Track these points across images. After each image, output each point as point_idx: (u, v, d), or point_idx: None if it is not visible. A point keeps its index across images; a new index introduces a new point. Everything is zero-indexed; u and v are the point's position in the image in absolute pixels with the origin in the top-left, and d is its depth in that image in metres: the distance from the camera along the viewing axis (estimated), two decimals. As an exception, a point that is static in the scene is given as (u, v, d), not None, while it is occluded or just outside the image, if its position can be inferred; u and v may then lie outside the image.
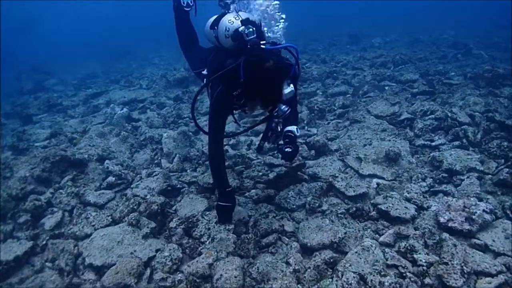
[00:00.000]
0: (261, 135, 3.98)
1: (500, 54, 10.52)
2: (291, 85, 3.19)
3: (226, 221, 3.81)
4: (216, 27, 3.58)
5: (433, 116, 5.77)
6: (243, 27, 3.23)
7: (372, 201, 4.06)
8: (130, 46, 20.73)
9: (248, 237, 3.54)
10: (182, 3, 4.41)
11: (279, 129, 3.79)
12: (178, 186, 4.73)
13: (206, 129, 3.67)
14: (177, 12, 4.46)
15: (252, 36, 3.17)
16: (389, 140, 5.31)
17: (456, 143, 5.05)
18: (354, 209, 3.93)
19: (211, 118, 3.60)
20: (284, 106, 3.27)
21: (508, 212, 3.71)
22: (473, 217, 3.48)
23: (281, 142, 3.86)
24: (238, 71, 3.08)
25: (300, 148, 5.35)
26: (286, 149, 3.70)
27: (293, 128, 3.85)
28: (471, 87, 7.13)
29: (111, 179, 4.93)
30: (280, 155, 3.90)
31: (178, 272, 3.38)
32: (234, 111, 3.67)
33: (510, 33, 12.10)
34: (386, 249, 3.34)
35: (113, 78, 12.37)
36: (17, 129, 7.62)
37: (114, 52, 19.12)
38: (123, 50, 19.53)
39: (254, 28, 3.19)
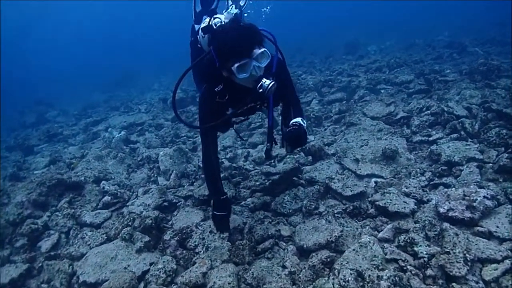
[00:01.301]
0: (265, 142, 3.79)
1: (495, 49, 10.47)
2: (271, 79, 2.92)
3: (224, 230, 3.72)
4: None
5: (429, 112, 5.69)
6: (209, 18, 3.38)
7: (370, 199, 3.98)
8: (130, 72, 20.92)
9: (243, 244, 3.46)
10: None
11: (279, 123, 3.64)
12: (174, 201, 4.68)
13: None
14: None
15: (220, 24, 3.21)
16: (386, 139, 5.23)
17: (454, 135, 4.94)
18: (351, 208, 3.84)
19: (202, 122, 3.39)
20: (265, 81, 2.92)
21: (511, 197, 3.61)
22: (474, 204, 3.37)
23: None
24: (212, 59, 2.97)
25: (296, 156, 5.32)
26: (288, 130, 3.24)
27: (297, 119, 3.36)
28: (466, 81, 7.03)
29: (107, 198, 4.90)
30: (285, 149, 3.44)
31: (173, 284, 3.30)
32: (232, 121, 3.60)
33: (508, 29, 12.03)
34: (385, 245, 3.25)
35: (114, 105, 12.46)
36: (18, 160, 7.66)
37: (115, 79, 19.34)
38: (124, 77, 19.74)
39: (222, 19, 3.27)
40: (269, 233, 3.67)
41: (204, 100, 3.31)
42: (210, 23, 3.32)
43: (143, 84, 16.96)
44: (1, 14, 35.20)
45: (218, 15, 3.41)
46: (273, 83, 2.92)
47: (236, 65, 2.81)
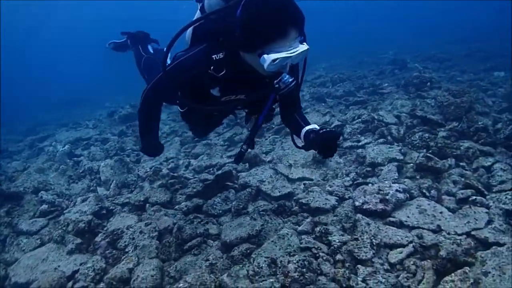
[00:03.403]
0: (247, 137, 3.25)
1: (434, 65, 11.07)
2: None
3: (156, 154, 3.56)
4: None
5: (360, 120, 6.00)
6: None
7: (295, 198, 4.18)
8: (87, 93, 20.66)
9: (170, 241, 3.60)
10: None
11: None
12: (111, 207, 4.75)
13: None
14: None
15: None
16: (317, 145, 5.48)
17: (381, 140, 5.26)
18: (276, 206, 4.03)
19: (172, 69, 2.60)
20: (287, 76, 2.46)
21: (425, 191, 3.89)
22: (387, 197, 3.66)
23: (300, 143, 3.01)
24: (234, 10, 2.29)
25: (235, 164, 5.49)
26: (325, 132, 2.66)
27: (313, 126, 2.92)
28: (401, 93, 7.46)
29: (44, 207, 4.91)
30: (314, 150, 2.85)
31: (101, 283, 3.38)
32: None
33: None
34: (303, 236, 3.45)
35: (63, 122, 12.33)
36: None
37: (70, 100, 19.07)
38: (80, 98, 19.49)
39: None
40: (198, 232, 3.79)
41: (193, 61, 2.57)
42: None
43: (98, 101, 16.80)
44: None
45: None
46: (294, 81, 2.55)
47: (272, 56, 2.17)
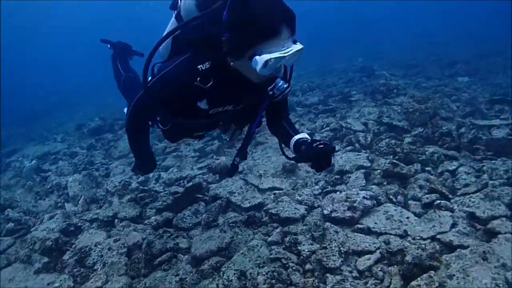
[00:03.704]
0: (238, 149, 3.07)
1: (400, 71, 11.31)
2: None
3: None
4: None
5: (328, 128, 6.07)
6: None
7: (264, 208, 4.19)
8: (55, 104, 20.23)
9: (139, 257, 3.56)
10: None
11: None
12: (79, 224, 4.67)
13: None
14: None
15: None
16: (287, 155, 5.51)
17: (349, 148, 5.33)
18: (246, 217, 4.03)
19: (161, 81, 2.43)
20: (281, 82, 2.35)
21: (392, 197, 3.97)
22: (354, 204, 3.71)
23: (290, 153, 2.78)
24: (219, 13, 2.15)
25: (205, 176, 5.47)
26: (319, 146, 2.33)
27: (303, 135, 2.71)
28: (368, 101, 7.58)
29: (10, 225, 4.80)
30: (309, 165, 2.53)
31: (69, 302, 3.32)
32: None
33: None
34: (273, 247, 3.46)
35: (32, 136, 12.09)
36: None
37: (37, 111, 18.66)
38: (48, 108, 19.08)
39: None
40: (167, 247, 3.76)
41: (177, 73, 2.38)
42: None
43: (67, 113, 16.49)
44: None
45: None
46: (289, 86, 2.44)
47: (265, 57, 2.02)
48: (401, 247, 3.13)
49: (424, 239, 3.25)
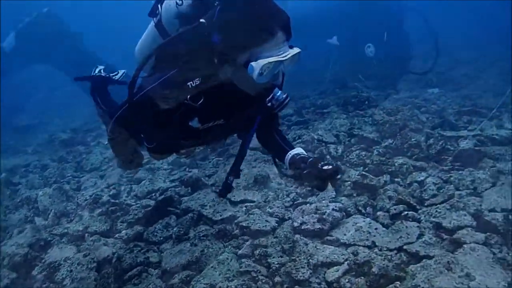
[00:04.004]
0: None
1: (373, 83, 11.47)
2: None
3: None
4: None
5: (300, 140, 6.14)
6: None
7: (235, 221, 4.20)
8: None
9: (109, 272, 3.53)
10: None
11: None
12: (49, 239, 4.60)
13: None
14: None
15: None
16: (259, 167, 5.54)
17: (320, 160, 5.39)
18: (217, 230, 4.04)
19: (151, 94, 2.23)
20: (280, 92, 2.26)
21: (361, 209, 4.05)
22: (324, 216, 3.76)
23: (287, 171, 2.70)
24: (202, 32, 2.02)
25: (177, 189, 5.46)
26: (325, 168, 2.22)
27: (299, 150, 2.61)
28: (340, 112, 7.68)
29: (-23, 241, 4.71)
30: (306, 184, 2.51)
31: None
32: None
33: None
34: (243, 260, 3.48)
35: (2, 148, 11.85)
36: None
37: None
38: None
39: None
40: (138, 261, 3.74)
41: (164, 92, 2.19)
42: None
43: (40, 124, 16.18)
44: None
45: None
46: (287, 98, 2.31)
47: (261, 62, 1.90)
48: (368, 258, 3.18)
49: (391, 250, 3.31)
